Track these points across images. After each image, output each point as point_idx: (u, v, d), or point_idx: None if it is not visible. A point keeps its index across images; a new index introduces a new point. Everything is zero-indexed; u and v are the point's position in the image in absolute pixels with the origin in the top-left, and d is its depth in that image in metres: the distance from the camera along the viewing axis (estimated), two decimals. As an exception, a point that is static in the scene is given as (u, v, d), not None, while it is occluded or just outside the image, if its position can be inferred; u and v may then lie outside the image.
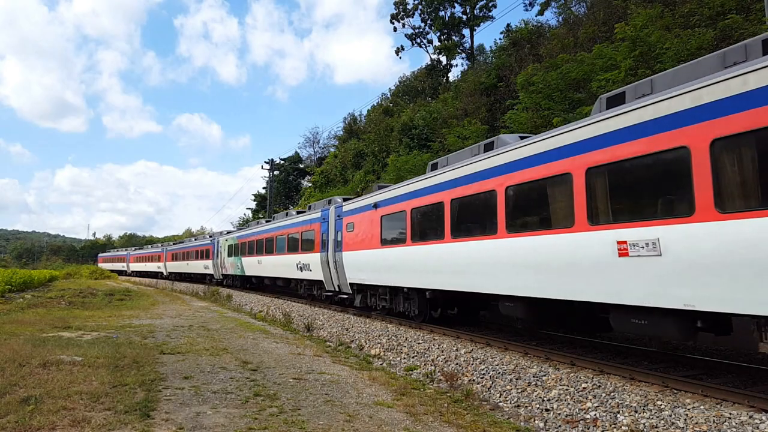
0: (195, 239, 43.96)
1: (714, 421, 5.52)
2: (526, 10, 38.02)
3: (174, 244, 50.21)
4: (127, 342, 10.66)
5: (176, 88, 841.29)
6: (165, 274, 48.84)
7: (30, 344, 9.80)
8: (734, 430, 5.33)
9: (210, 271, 35.39)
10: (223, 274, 32.93)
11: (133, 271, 63.00)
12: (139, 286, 39.80)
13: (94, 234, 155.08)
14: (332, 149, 54.37)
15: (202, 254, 37.09)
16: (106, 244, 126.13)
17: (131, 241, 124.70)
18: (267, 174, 47.29)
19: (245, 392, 6.87)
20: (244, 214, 66.07)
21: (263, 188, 57.67)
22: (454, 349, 10.18)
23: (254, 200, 63.45)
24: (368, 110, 50.19)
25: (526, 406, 7.02)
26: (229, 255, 30.75)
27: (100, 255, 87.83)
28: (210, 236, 38.53)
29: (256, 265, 26.26)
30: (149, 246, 66.04)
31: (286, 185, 58.77)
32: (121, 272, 67.34)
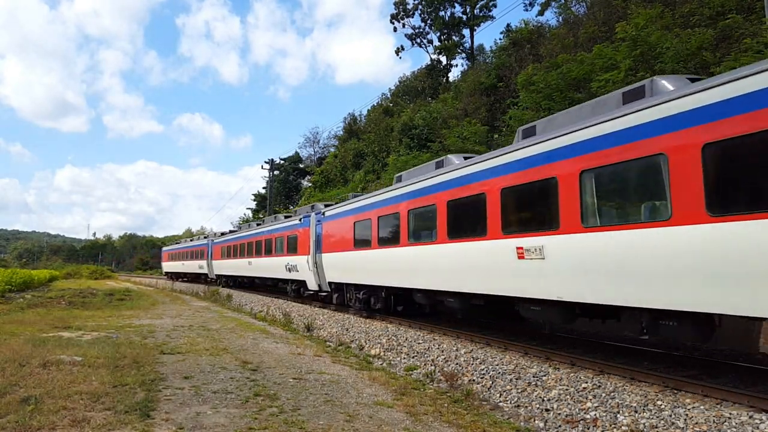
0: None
1: (714, 421, 5.52)
2: (526, 10, 38.05)
3: (337, 205, 18.06)
4: (127, 342, 10.66)
5: (177, 87, 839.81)
6: (316, 284, 19.02)
7: (30, 344, 9.79)
8: (734, 430, 5.33)
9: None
10: None
11: (219, 276, 36.24)
12: (139, 286, 39.83)
13: (94, 234, 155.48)
14: (332, 149, 54.38)
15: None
16: (106, 244, 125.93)
17: (131, 241, 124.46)
18: (267, 174, 47.28)
19: (245, 392, 6.87)
20: (244, 214, 66.07)
21: (263, 188, 57.71)
22: (454, 349, 10.18)
23: (254, 200, 63.51)
24: (368, 110, 50.24)
25: (526, 406, 7.02)
26: None
27: (164, 249, 60.67)
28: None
29: None
30: (254, 224, 31.90)
31: (286, 185, 58.80)
32: (197, 276, 43.16)
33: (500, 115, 26.43)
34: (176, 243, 55.82)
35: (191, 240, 48.61)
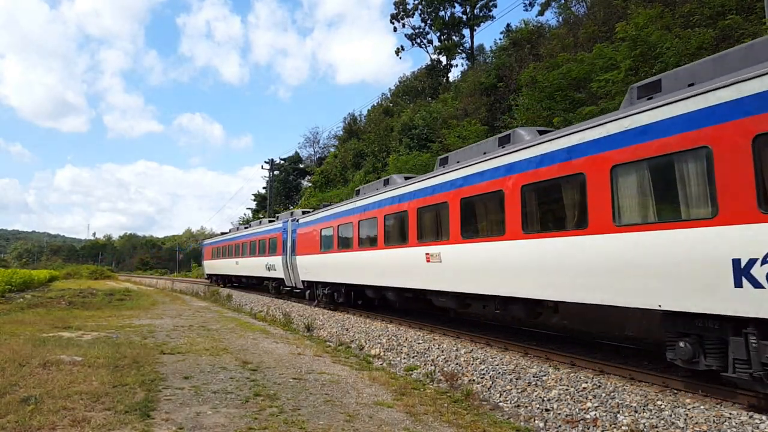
0: None
1: (714, 421, 5.52)
2: (526, 10, 38.14)
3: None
4: (127, 342, 10.66)
5: (178, 87, 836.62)
6: None
7: (30, 344, 9.80)
8: (734, 430, 5.33)
9: None
10: None
11: (310, 282, 19.81)
12: (140, 286, 39.83)
13: (94, 234, 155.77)
14: (332, 149, 54.42)
15: None
16: (106, 244, 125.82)
17: (131, 241, 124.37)
18: (267, 174, 47.28)
19: (245, 392, 6.87)
20: (244, 214, 66.04)
21: (263, 188, 57.73)
22: (454, 349, 10.19)
23: (254, 200, 63.52)
24: (368, 110, 50.28)
25: (526, 406, 7.02)
26: None
27: (206, 243, 43.16)
28: None
29: None
30: (388, 179, 14.90)
31: (286, 185, 58.82)
32: (260, 282, 28.77)
33: (500, 115, 26.44)
34: (222, 234, 37.86)
35: (247, 227, 31.06)
